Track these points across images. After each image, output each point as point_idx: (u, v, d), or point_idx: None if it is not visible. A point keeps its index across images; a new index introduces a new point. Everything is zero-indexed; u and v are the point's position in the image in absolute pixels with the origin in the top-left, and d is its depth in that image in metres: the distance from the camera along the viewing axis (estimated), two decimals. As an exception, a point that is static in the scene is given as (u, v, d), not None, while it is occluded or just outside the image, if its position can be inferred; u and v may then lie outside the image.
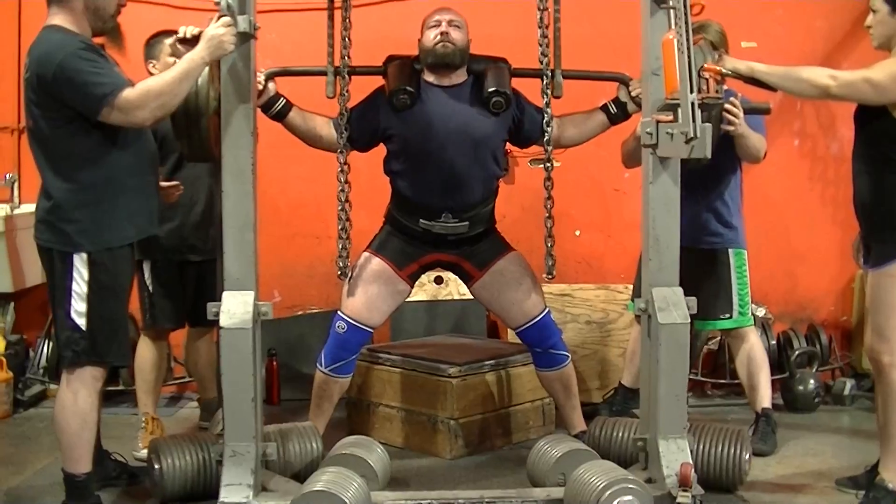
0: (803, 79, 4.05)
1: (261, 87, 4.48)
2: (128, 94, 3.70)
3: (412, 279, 4.89)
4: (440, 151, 4.67)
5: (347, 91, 4.63)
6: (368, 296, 4.75)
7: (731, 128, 4.70)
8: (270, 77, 4.61)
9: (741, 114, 4.71)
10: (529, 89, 4.80)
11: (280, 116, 4.67)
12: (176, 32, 3.95)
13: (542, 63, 4.66)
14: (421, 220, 4.75)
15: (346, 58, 4.59)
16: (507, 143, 4.93)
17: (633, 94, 4.69)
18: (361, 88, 4.75)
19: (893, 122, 3.96)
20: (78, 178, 3.87)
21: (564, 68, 4.78)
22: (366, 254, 4.82)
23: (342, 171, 4.63)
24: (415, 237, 4.82)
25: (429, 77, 4.77)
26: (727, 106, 4.65)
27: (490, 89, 4.68)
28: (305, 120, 4.72)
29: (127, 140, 3.97)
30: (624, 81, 4.76)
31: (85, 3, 3.92)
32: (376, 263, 4.79)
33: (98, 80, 3.71)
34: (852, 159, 4.23)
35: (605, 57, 6.04)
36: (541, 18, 4.64)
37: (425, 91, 4.73)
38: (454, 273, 5.04)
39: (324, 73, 4.69)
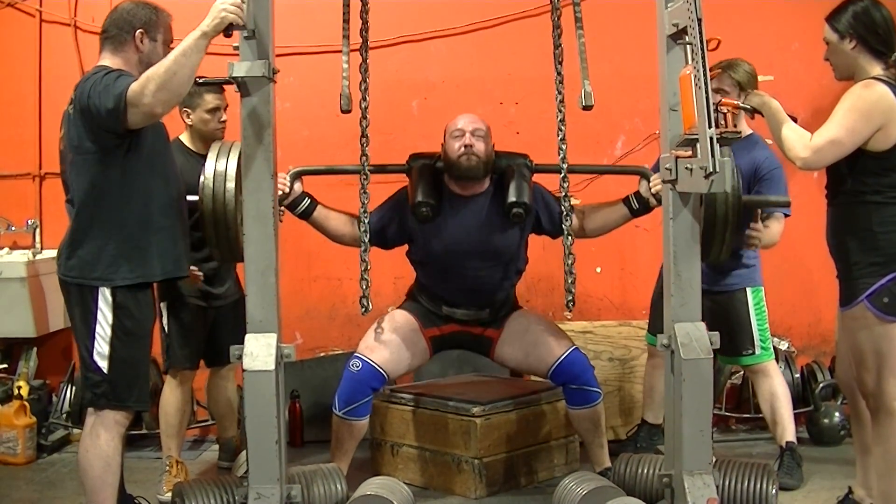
0: (782, 139, 3.96)
1: (286, 187, 4.60)
2: (133, 84, 3.70)
3: (433, 344, 4.97)
4: (463, 262, 4.81)
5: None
6: (391, 343, 4.84)
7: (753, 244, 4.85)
8: (297, 177, 4.71)
9: (763, 234, 4.81)
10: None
11: (306, 216, 4.79)
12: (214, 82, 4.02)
13: (559, 111, 4.68)
14: (444, 307, 4.94)
15: (364, 100, 4.61)
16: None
17: (653, 190, 4.68)
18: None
19: (870, 157, 3.88)
20: (113, 213, 3.90)
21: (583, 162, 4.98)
22: (392, 308, 4.95)
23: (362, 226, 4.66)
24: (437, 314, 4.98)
25: (451, 185, 4.84)
26: (749, 232, 4.75)
27: (510, 200, 4.75)
28: (329, 218, 4.84)
29: (162, 180, 4.02)
30: (645, 176, 4.78)
31: (139, 56, 3.99)
32: (402, 315, 4.93)
33: (116, 87, 3.72)
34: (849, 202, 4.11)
35: (622, 94, 6.09)
36: (556, 56, 4.67)
37: (447, 202, 4.82)
38: (474, 350, 5.13)
39: (348, 172, 4.83)
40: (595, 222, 4.92)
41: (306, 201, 4.76)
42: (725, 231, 4.23)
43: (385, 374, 4.77)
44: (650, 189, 4.70)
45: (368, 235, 4.65)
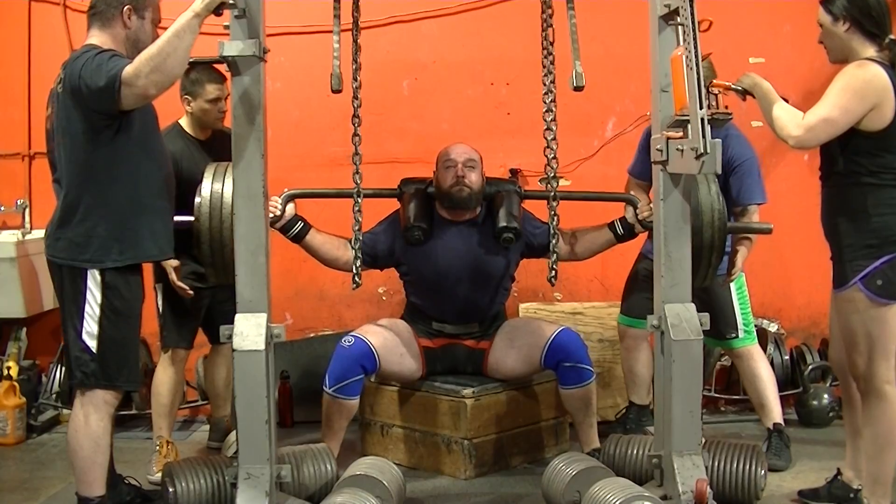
0: (773, 118, 3.95)
1: (278, 210, 4.61)
2: (127, 66, 3.68)
3: (426, 355, 5.01)
4: (453, 287, 4.89)
5: (359, 210, 4.63)
6: (387, 334, 4.90)
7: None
8: (289, 199, 4.71)
9: (741, 267, 4.92)
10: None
11: (298, 239, 4.79)
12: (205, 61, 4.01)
13: (550, 92, 4.64)
14: (434, 323, 5.00)
15: (356, 80, 4.59)
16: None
17: (640, 216, 4.73)
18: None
19: (863, 137, 3.88)
20: (103, 194, 3.90)
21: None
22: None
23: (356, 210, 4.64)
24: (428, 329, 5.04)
25: (442, 211, 4.91)
26: (727, 278, 4.88)
27: (500, 225, 4.81)
28: (323, 242, 4.85)
29: (152, 161, 4.02)
30: (633, 203, 4.81)
31: (126, 33, 3.98)
32: (401, 323, 5.02)
33: (109, 67, 3.70)
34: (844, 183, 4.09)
35: (613, 75, 6.07)
36: (545, 36, 4.65)
37: (438, 226, 4.89)
38: (467, 369, 5.11)
39: (340, 196, 4.81)
40: (582, 246, 4.99)
41: (299, 224, 4.77)
42: (711, 256, 4.33)
43: (377, 356, 4.77)
44: (636, 215, 4.75)
45: (361, 254, 4.63)
